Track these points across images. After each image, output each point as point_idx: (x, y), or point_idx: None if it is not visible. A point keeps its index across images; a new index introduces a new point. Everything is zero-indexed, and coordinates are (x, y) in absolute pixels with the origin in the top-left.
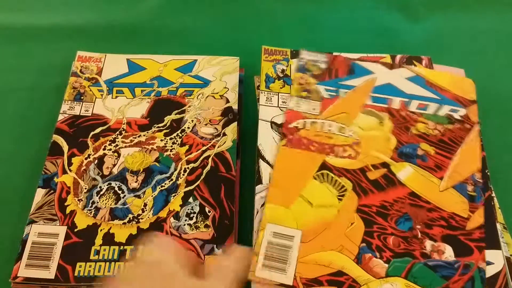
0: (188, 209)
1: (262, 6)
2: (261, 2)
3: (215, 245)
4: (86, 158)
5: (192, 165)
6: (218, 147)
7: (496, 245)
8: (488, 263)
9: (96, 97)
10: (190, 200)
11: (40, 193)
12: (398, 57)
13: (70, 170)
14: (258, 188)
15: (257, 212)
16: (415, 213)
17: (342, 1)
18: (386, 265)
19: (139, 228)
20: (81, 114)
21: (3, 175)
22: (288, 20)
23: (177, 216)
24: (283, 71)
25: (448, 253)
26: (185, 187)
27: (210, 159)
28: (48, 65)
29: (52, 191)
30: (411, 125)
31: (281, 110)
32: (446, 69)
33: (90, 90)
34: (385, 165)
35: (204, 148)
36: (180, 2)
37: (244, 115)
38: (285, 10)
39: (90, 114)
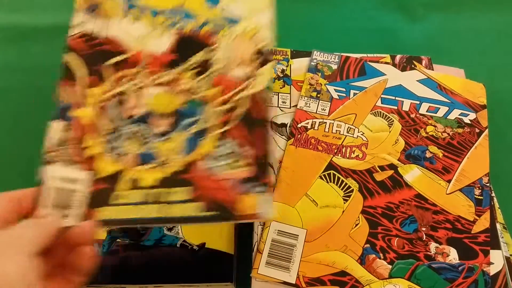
0: (222, 151)
1: None
2: None
3: (253, 184)
4: (104, 93)
5: (224, 106)
6: (251, 88)
7: (496, 245)
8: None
9: (111, 14)
10: (224, 141)
11: (56, 126)
12: (398, 57)
13: (88, 104)
14: None
15: None
16: (421, 215)
17: (342, 1)
18: (390, 266)
19: (168, 172)
20: (93, 33)
21: (3, 175)
22: (288, 20)
23: (210, 158)
24: (283, 71)
25: (453, 255)
26: (218, 128)
27: (243, 101)
28: (48, 65)
29: (69, 127)
30: (420, 127)
31: (281, 110)
32: (446, 69)
33: (106, 4)
34: (392, 166)
35: (236, 90)
36: None
37: None
38: (285, 10)
39: (105, 36)
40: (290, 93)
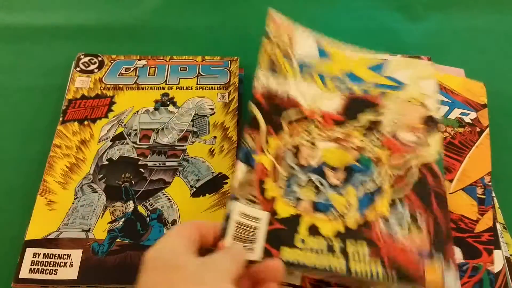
0: (398, 216)
1: (262, 6)
2: (261, 2)
3: (433, 254)
4: (282, 143)
5: (396, 171)
6: (422, 157)
7: (496, 245)
8: None
9: (288, 75)
10: (399, 206)
11: (241, 169)
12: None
13: (268, 152)
14: None
15: None
16: None
17: (342, 1)
18: None
19: (346, 226)
20: (275, 90)
21: (3, 175)
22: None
23: (386, 221)
24: None
25: (457, 255)
26: (391, 192)
27: (415, 168)
28: (48, 65)
29: (251, 169)
30: None
31: None
32: (446, 69)
33: (283, 65)
34: None
35: (407, 155)
36: (180, 2)
37: (244, 115)
38: (285, 10)
39: (284, 93)
40: None
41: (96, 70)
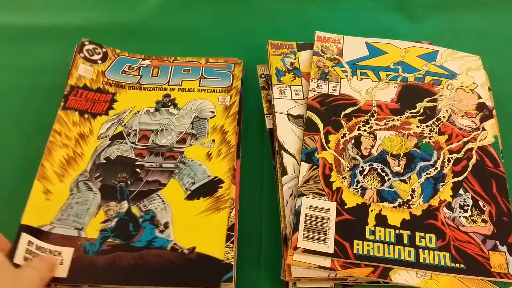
0: (461, 201)
1: (262, 6)
2: (261, 2)
3: (498, 241)
4: (342, 137)
5: (455, 155)
6: (480, 140)
7: None
8: None
9: (341, 77)
10: (461, 191)
11: (304, 167)
12: None
13: (329, 147)
14: (284, 179)
15: (287, 203)
16: None
17: (342, 1)
18: None
19: (412, 214)
20: (329, 93)
21: (2, 174)
22: (288, 20)
23: (450, 207)
24: (291, 64)
25: None
26: (453, 177)
27: (473, 152)
28: (48, 65)
29: (315, 166)
30: None
31: (296, 102)
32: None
33: (334, 70)
34: None
35: (465, 139)
36: (180, 2)
37: (245, 116)
38: (285, 10)
39: (338, 94)
40: (301, 85)
41: (99, 62)
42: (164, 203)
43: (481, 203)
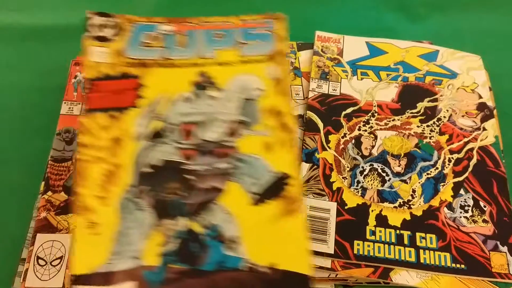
0: (462, 201)
1: (262, 6)
2: (261, 2)
3: (499, 242)
4: (342, 137)
5: (456, 155)
6: (480, 140)
7: None
8: None
9: (341, 77)
10: (462, 191)
11: (304, 167)
12: None
13: (329, 148)
14: None
15: None
16: None
17: (342, 1)
18: None
19: (412, 214)
20: (329, 93)
21: (3, 175)
22: (288, 20)
23: (450, 207)
24: (292, 63)
25: None
26: (453, 177)
27: (474, 152)
28: (48, 65)
29: (315, 166)
30: None
31: (296, 102)
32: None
33: (335, 70)
34: None
35: (465, 139)
36: (180, 2)
37: None
38: (285, 10)
39: (338, 94)
40: (301, 85)
41: (113, 38)
42: (228, 214)
43: (481, 203)
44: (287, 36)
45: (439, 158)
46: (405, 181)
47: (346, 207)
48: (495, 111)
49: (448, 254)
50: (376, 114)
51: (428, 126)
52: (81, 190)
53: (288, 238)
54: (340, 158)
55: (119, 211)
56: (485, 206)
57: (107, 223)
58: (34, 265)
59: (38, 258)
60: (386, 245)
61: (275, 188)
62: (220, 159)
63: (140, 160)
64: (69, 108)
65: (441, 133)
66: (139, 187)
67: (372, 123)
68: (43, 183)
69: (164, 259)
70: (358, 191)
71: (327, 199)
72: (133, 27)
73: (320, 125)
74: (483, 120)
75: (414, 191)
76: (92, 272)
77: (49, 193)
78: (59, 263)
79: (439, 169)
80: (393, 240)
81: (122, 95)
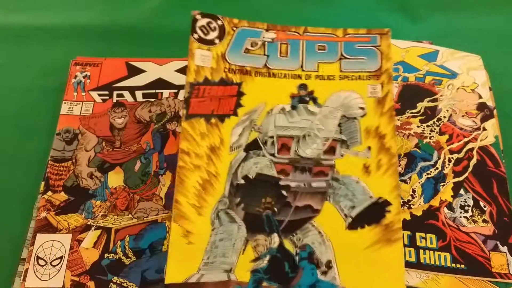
0: (461, 201)
1: (262, 6)
2: (261, 2)
3: (499, 242)
4: None
5: (456, 155)
6: (480, 140)
7: None
8: None
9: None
10: (462, 191)
11: None
12: None
13: None
14: None
15: None
16: None
17: (342, 1)
18: None
19: (412, 214)
20: None
21: (3, 175)
22: (288, 20)
23: (450, 207)
24: None
25: None
26: (453, 177)
27: (474, 152)
28: (48, 65)
29: None
30: None
31: None
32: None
33: None
34: None
35: (465, 139)
36: (180, 2)
37: None
38: (285, 10)
39: None
40: None
41: (217, 41)
42: (322, 236)
43: (481, 203)
44: (390, 53)
45: (439, 158)
46: (405, 181)
47: None
48: (495, 111)
49: (448, 254)
50: None
51: (428, 126)
52: (180, 197)
53: (384, 268)
54: None
55: (212, 222)
56: (485, 206)
57: (200, 234)
58: (34, 265)
59: (38, 258)
60: None
61: (373, 214)
62: (317, 177)
63: (235, 170)
64: (69, 108)
65: (441, 133)
66: (233, 199)
67: None
68: (43, 183)
69: (255, 275)
70: None
71: None
72: (236, 31)
73: None
74: (483, 120)
75: (414, 191)
76: (184, 282)
77: (49, 193)
78: (59, 263)
79: (439, 169)
80: None
81: (222, 101)
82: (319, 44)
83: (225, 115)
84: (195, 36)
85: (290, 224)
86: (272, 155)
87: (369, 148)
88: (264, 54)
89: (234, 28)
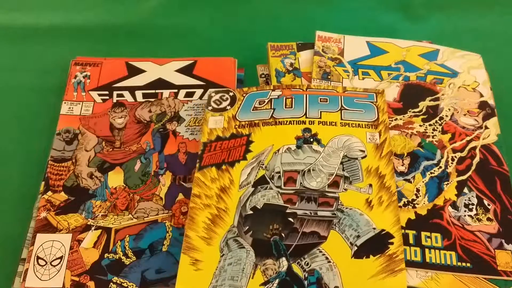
0: (466, 200)
1: (262, 6)
2: (261, 2)
3: (504, 240)
4: None
5: (459, 154)
6: (483, 139)
7: None
8: None
9: (342, 77)
10: (466, 190)
11: None
12: None
13: None
14: None
15: None
16: None
17: (342, 1)
18: None
19: (417, 214)
20: None
21: (3, 175)
22: (288, 20)
23: (455, 206)
24: (291, 64)
25: None
26: (457, 176)
27: (477, 150)
28: (48, 65)
29: None
30: None
31: None
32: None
33: (336, 70)
34: None
35: (468, 138)
36: (180, 2)
37: None
38: (285, 10)
39: None
40: (312, 76)
41: (228, 107)
42: (330, 262)
43: (485, 202)
44: (385, 108)
45: (442, 157)
46: (409, 181)
47: None
48: (495, 111)
49: (453, 253)
50: None
51: (430, 125)
52: (189, 232)
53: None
54: None
55: (221, 249)
56: (489, 205)
57: (208, 261)
58: (34, 265)
59: (38, 258)
60: None
61: (376, 244)
62: (322, 207)
63: (243, 203)
64: (69, 108)
65: (443, 132)
66: (241, 227)
67: None
68: (43, 183)
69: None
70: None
71: None
72: (246, 96)
73: None
74: (485, 118)
75: (418, 190)
76: None
77: (49, 193)
78: (59, 263)
79: (443, 168)
80: None
81: (232, 151)
82: (321, 97)
83: (235, 161)
84: (209, 108)
85: (297, 248)
86: (279, 187)
87: (370, 185)
88: (271, 108)
89: (244, 95)
